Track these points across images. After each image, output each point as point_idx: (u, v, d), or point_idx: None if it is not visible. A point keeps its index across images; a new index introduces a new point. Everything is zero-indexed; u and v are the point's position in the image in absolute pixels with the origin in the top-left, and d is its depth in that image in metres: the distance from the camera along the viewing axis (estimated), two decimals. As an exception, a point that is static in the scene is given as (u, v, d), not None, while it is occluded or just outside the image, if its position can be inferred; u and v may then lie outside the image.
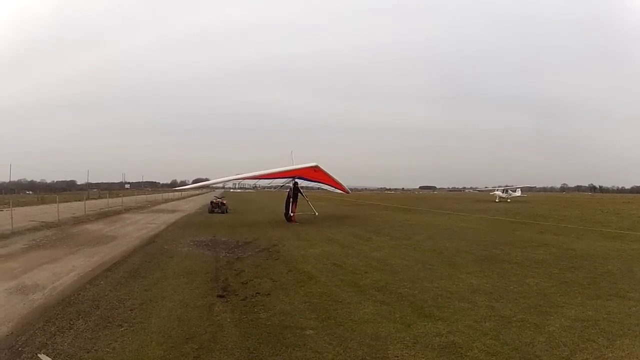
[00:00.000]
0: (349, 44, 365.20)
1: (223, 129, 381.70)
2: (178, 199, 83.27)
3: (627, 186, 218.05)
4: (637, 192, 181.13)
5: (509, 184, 78.74)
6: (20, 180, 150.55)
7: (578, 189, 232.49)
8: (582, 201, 74.08)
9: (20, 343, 6.85)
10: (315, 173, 31.57)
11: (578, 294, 9.74)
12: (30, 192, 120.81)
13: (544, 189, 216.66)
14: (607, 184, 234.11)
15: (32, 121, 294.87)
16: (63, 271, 12.49)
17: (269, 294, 9.74)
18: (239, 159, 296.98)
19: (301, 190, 31.47)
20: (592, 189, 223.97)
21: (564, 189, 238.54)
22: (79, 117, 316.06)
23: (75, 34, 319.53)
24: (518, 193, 74.86)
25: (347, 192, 42.41)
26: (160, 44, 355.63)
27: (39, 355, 6.32)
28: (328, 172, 32.08)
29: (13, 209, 26.74)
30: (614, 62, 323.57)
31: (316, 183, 34.56)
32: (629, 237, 20.27)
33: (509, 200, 67.80)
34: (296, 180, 30.46)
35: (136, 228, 25.63)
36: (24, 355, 6.40)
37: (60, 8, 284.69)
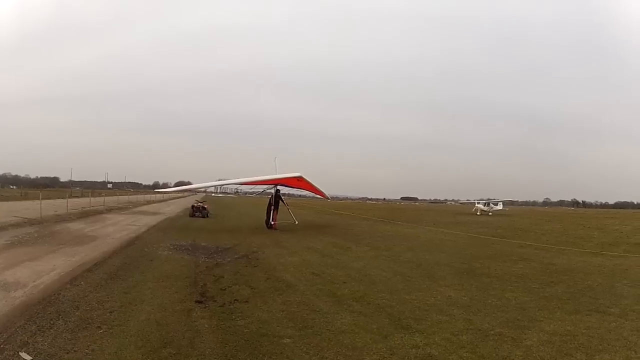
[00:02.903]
0: (338, 52, 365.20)
1: (207, 132, 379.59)
2: (160, 201, 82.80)
3: (611, 201, 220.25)
4: (621, 208, 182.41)
5: (491, 197, 79.36)
6: (5, 174, 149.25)
7: (561, 203, 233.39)
8: (564, 216, 74.53)
9: (1, 340, 6.92)
10: (298, 182, 31.81)
11: (557, 308, 9.89)
12: (14, 187, 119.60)
13: (526, 203, 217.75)
14: (591, 199, 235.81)
15: (18, 116, 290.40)
16: (44, 270, 12.48)
17: (247, 301, 9.83)
18: (222, 163, 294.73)
19: (282, 198, 31.58)
20: (575, 203, 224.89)
21: (546, 203, 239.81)
22: (66, 114, 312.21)
23: (65, 31, 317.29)
24: (500, 206, 75.15)
25: (327, 199, 42.72)
26: (150, 45, 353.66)
27: (20, 353, 6.42)
28: (311, 181, 32.25)
29: (-4, 203, 26.51)
30: (601, 78, 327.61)
31: (298, 190, 34.78)
32: (611, 253, 20.61)
33: (490, 213, 68.09)
34: (278, 187, 30.57)
35: (117, 229, 25.53)
36: (5, 352, 6.47)
37: (56, 7, 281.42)
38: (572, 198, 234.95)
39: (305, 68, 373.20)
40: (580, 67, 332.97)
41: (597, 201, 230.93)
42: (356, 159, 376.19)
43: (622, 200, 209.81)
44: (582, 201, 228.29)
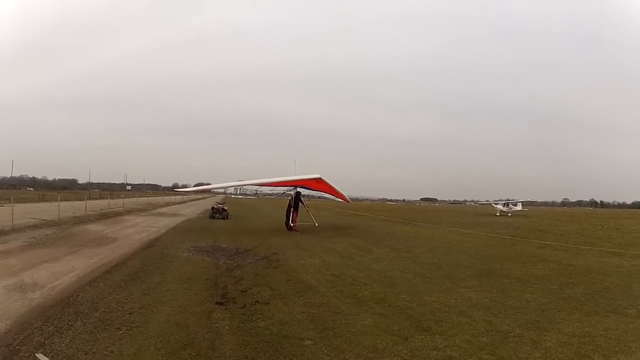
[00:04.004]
0: (354, 52, 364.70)
1: (226, 133, 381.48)
2: (179, 202, 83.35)
3: (628, 201, 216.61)
4: (638, 208, 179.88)
5: (510, 198, 78.51)
6: (22, 176, 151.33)
7: (579, 203, 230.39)
8: (582, 216, 73.57)
9: (18, 341, 6.88)
10: (317, 184, 31.66)
11: (576, 310, 9.74)
12: (32, 189, 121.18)
13: (545, 204, 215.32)
14: (608, 199, 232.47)
15: (35, 118, 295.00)
16: (62, 271, 12.51)
17: (267, 303, 9.75)
18: (241, 164, 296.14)
19: (302, 200, 31.48)
20: (593, 204, 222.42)
21: (565, 203, 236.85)
22: (83, 116, 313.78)
23: (80, 34, 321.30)
24: (519, 207, 74.38)
25: (348, 202, 42.51)
26: (165, 46, 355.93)
27: (36, 354, 6.35)
28: (330, 183, 32.13)
29: (14, 205, 26.71)
30: (618, 77, 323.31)
31: (318, 192, 34.68)
32: (629, 253, 20.24)
33: (509, 214, 67.40)
34: (298, 189, 30.50)
35: (136, 231, 25.65)
36: (21, 354, 6.43)
37: (66, 7, 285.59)
38: (591, 198, 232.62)
39: (323, 67, 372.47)
40: (598, 63, 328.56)
41: (614, 201, 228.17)
42: (375, 159, 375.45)
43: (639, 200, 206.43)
44: (600, 201, 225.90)
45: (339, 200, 38.58)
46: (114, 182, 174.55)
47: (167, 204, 70.30)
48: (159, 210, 52.02)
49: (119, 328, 7.67)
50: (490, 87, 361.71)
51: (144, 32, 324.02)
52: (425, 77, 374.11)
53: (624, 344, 7.42)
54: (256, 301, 9.87)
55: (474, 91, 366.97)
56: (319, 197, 37.49)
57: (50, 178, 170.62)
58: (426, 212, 77.86)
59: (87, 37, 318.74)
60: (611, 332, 8.04)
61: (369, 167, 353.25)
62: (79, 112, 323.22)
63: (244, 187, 45.67)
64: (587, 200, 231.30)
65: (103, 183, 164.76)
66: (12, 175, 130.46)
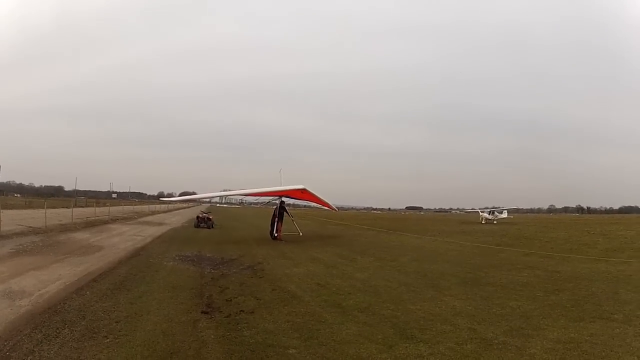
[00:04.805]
0: (340, 65, 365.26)
1: (211, 144, 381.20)
2: (164, 211, 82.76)
3: (616, 206, 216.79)
4: (626, 212, 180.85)
5: (495, 205, 79.03)
6: (9, 182, 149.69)
7: (565, 210, 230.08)
8: (569, 222, 74.05)
9: (7, 348, 6.98)
10: (302, 194, 31.79)
11: (561, 316, 9.89)
12: (18, 195, 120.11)
13: (531, 210, 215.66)
14: (595, 204, 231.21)
15: (24, 125, 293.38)
16: (50, 279, 12.55)
17: (252, 312, 9.84)
18: (226, 175, 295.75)
19: (287, 209, 31.59)
20: (580, 209, 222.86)
21: (551, 210, 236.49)
22: (71, 124, 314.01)
23: (70, 43, 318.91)
24: (504, 214, 74.59)
25: (335, 210, 42.67)
26: (154, 58, 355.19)
27: None
28: (315, 193, 32.27)
29: (1, 211, 26.58)
30: (603, 82, 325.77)
31: (303, 201, 34.82)
32: (615, 259, 20.53)
33: (495, 221, 67.69)
34: (282, 199, 30.62)
35: (122, 239, 25.57)
36: (11, 360, 6.50)
37: (59, 16, 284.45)
38: (577, 204, 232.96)
39: (308, 80, 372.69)
40: (581, 71, 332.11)
41: (601, 206, 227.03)
42: (360, 169, 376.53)
43: (627, 205, 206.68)
44: (587, 207, 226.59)
45: (325, 208, 38.75)
46: (100, 190, 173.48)
47: (153, 213, 69.90)
48: (144, 219, 51.70)
49: (106, 336, 7.75)
50: (473, 97, 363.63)
51: (134, 44, 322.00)
52: (411, 89, 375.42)
53: (610, 349, 7.54)
54: (241, 310, 9.95)
55: (460, 102, 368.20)
56: (304, 206, 37.54)
57: (37, 185, 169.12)
58: (411, 221, 78.05)
59: (77, 48, 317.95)
60: (597, 338, 8.16)
61: (355, 177, 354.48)
62: (66, 120, 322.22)
63: (229, 196, 45.56)
64: (574, 206, 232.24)
65: (89, 191, 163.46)
66: (0, 181, 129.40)
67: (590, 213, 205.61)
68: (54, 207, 43.85)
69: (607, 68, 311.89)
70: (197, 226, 39.38)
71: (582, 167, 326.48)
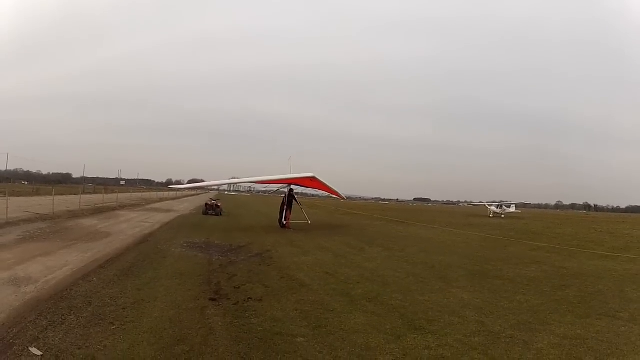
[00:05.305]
0: (352, 56, 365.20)
1: (221, 132, 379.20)
2: (173, 198, 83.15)
3: (623, 205, 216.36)
4: (633, 212, 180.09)
5: (503, 200, 78.65)
6: (17, 169, 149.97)
7: (573, 206, 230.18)
8: (576, 219, 74.04)
9: (11, 335, 6.91)
10: (311, 182, 31.69)
11: (568, 312, 9.81)
12: (26, 183, 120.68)
13: (539, 206, 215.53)
14: (603, 203, 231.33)
15: (32, 113, 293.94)
16: (56, 265, 12.50)
17: (261, 300, 9.78)
18: (235, 162, 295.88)
19: (296, 198, 31.50)
20: (587, 207, 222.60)
21: (558, 206, 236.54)
22: (79, 112, 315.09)
23: (79, 30, 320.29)
24: (512, 209, 74.42)
25: (343, 199, 42.58)
26: (164, 46, 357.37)
27: (30, 348, 6.37)
28: (324, 181, 32.14)
29: (8, 198, 26.61)
30: (613, 81, 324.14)
31: (312, 189, 34.75)
32: (622, 257, 20.37)
33: (502, 215, 67.44)
34: (292, 187, 30.51)
35: (130, 226, 25.60)
36: (15, 347, 6.44)
37: (66, 5, 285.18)
38: (584, 202, 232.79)
39: (320, 70, 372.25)
40: (591, 69, 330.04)
41: (608, 205, 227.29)
42: (370, 159, 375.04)
43: (634, 205, 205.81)
44: (595, 205, 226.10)
45: (334, 197, 38.66)
46: (108, 177, 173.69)
47: (161, 200, 70.14)
48: (152, 205, 51.89)
49: (112, 323, 7.69)
50: (487, 93, 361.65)
51: (144, 33, 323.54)
52: (422, 81, 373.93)
53: (616, 346, 7.48)
54: (249, 298, 9.89)
55: (471, 96, 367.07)
56: (313, 195, 37.49)
57: (45, 172, 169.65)
58: (419, 212, 78.06)
59: (86, 35, 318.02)
60: (603, 335, 8.10)
61: (364, 167, 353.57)
62: (74, 108, 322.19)
63: (238, 184, 45.63)
64: (581, 203, 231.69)
65: (97, 178, 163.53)
66: (7, 168, 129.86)
67: (597, 211, 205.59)
68: (61, 194, 43.88)
69: (617, 68, 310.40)
70: (206, 213, 39.35)
71: (590, 165, 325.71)
